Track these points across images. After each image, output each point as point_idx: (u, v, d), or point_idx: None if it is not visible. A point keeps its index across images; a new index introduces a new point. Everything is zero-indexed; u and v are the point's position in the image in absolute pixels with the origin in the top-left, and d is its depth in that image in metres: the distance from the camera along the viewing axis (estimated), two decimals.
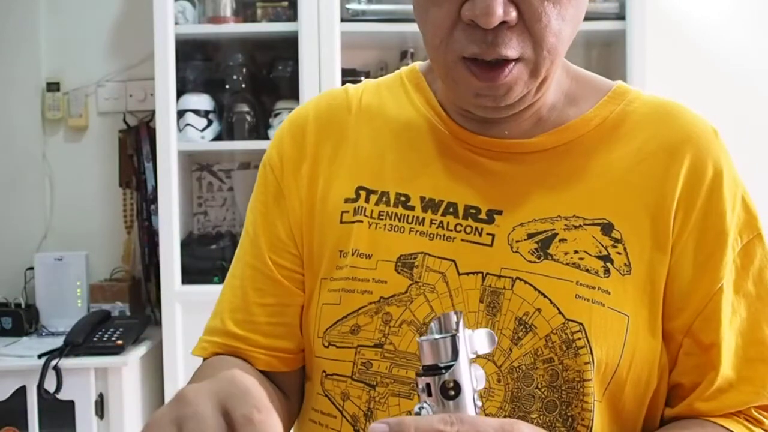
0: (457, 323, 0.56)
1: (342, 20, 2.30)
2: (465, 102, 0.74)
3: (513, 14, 0.66)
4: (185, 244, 2.42)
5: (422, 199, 0.78)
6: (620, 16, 2.31)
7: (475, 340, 0.56)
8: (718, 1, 2.66)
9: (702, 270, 0.74)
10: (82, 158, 2.67)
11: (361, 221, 0.79)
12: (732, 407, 0.74)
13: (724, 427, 0.73)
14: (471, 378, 0.55)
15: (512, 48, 0.67)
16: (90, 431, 2.15)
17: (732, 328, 0.75)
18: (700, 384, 0.75)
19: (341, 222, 0.80)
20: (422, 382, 0.55)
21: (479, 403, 0.56)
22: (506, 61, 0.68)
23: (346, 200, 0.80)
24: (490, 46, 0.67)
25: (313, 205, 0.82)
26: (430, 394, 0.55)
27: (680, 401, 0.77)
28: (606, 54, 2.59)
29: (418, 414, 0.55)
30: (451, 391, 0.54)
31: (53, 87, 2.65)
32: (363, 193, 0.80)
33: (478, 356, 0.57)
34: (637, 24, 2.29)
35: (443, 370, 0.54)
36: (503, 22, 0.66)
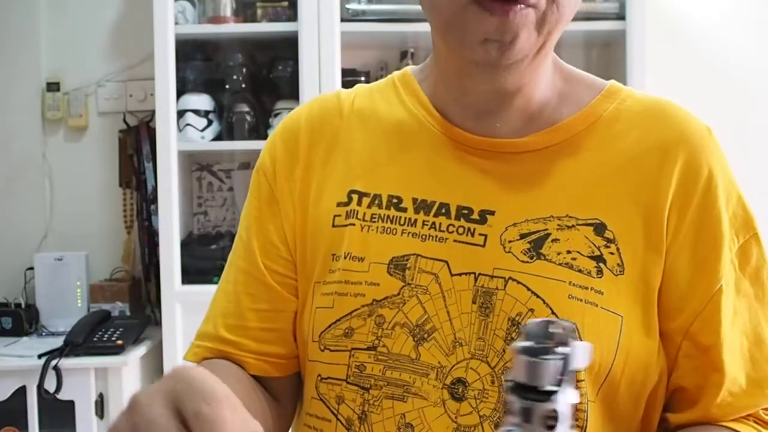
0: (566, 338, 0.48)
1: (342, 20, 2.30)
2: (469, 55, 0.72)
3: None
4: (185, 244, 2.42)
5: (414, 200, 0.77)
6: (620, 16, 2.30)
7: (575, 356, 0.48)
8: (718, 1, 2.66)
9: (700, 271, 0.74)
10: (82, 158, 2.67)
11: (354, 224, 0.78)
12: (743, 410, 0.74)
13: (734, 430, 0.73)
14: (570, 404, 0.48)
15: None
16: (90, 431, 2.15)
17: (735, 329, 0.74)
18: (702, 386, 0.74)
19: (333, 226, 0.79)
20: (518, 402, 0.48)
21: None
22: (517, 2, 0.68)
23: (339, 204, 0.80)
24: None
25: (305, 209, 0.82)
26: (526, 420, 0.47)
27: (685, 405, 0.76)
28: (606, 54, 2.58)
29: None
30: (551, 421, 0.47)
31: (53, 87, 2.65)
32: (355, 197, 0.80)
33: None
34: (637, 24, 2.28)
35: (545, 397, 0.47)
36: None
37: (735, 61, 2.62)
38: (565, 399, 0.47)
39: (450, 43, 0.74)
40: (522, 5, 0.68)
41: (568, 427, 0.48)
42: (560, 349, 0.48)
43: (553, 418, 0.47)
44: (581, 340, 0.62)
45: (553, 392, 0.47)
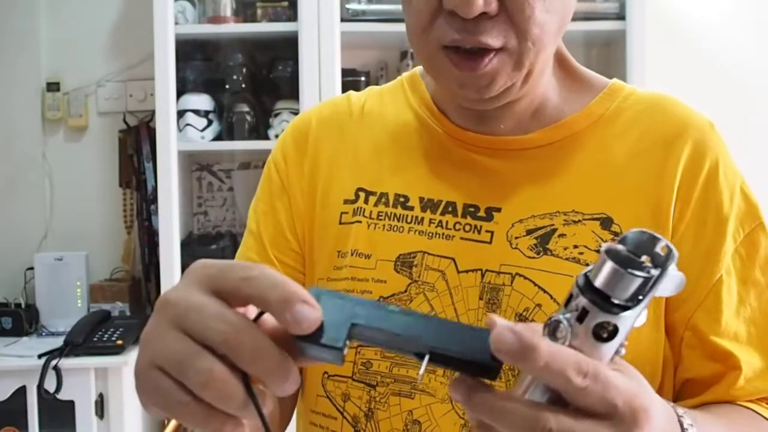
0: (662, 260, 0.44)
1: (342, 20, 2.30)
2: (450, 92, 0.74)
3: (493, 5, 0.66)
4: (185, 244, 2.42)
5: (421, 199, 0.78)
6: (620, 16, 2.31)
7: (665, 283, 0.44)
8: (718, 1, 2.66)
9: (702, 261, 0.74)
10: (82, 158, 2.67)
11: (360, 222, 0.79)
12: (756, 394, 0.74)
13: (757, 413, 0.73)
14: (633, 325, 0.45)
15: (493, 37, 0.67)
16: (90, 431, 2.15)
17: (740, 318, 0.74)
18: (710, 377, 0.75)
19: (340, 223, 0.80)
20: (582, 301, 0.44)
21: (623, 351, 0.46)
22: (487, 51, 0.68)
23: (346, 201, 0.81)
24: (470, 34, 0.67)
25: (313, 206, 0.83)
26: (579, 320, 0.44)
27: (697, 393, 0.76)
28: (606, 54, 2.58)
29: (552, 325, 0.45)
30: (604, 333, 0.44)
31: (53, 87, 2.65)
32: (362, 195, 0.81)
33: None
34: (637, 24, 2.29)
35: (614, 308, 0.43)
36: (484, 13, 0.66)
37: (735, 61, 2.62)
38: (630, 320, 0.44)
39: (432, 78, 0.76)
40: (491, 53, 0.68)
41: (621, 348, 0.45)
42: (651, 270, 0.44)
43: (607, 330, 0.44)
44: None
45: (622, 307, 0.44)
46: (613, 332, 0.44)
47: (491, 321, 0.45)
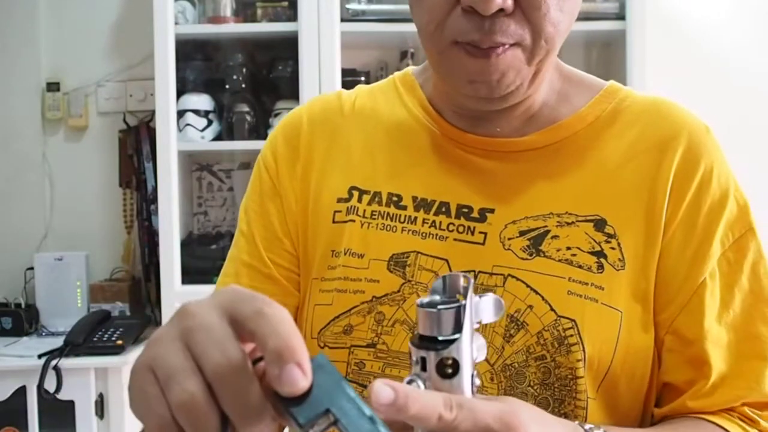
0: (466, 290, 0.50)
1: (342, 20, 2.30)
2: (459, 90, 0.73)
3: (509, 1, 0.66)
4: (185, 244, 2.42)
5: (414, 198, 0.78)
6: (620, 16, 2.30)
7: (481, 308, 0.50)
8: (718, 1, 2.66)
9: (689, 263, 0.74)
10: (82, 158, 2.67)
11: (354, 221, 0.79)
12: (724, 404, 0.74)
13: (720, 426, 0.72)
14: (471, 354, 0.49)
15: (509, 35, 0.67)
16: (90, 431, 2.15)
17: (722, 323, 0.74)
18: (686, 381, 0.74)
19: (334, 222, 0.80)
20: (417, 353, 0.49)
21: (477, 382, 0.51)
22: (498, 45, 0.68)
23: (339, 200, 0.80)
24: (487, 34, 0.67)
25: (306, 205, 0.82)
26: (424, 369, 0.49)
27: (671, 399, 0.76)
28: (606, 54, 2.58)
29: (408, 383, 0.49)
30: (448, 369, 0.49)
31: (53, 87, 2.65)
32: (356, 193, 0.80)
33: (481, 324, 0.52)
34: (637, 24, 2.28)
35: (442, 345, 0.48)
36: (500, 9, 0.66)
37: (735, 61, 2.62)
38: (464, 350, 0.48)
39: (441, 76, 0.76)
40: (505, 45, 0.68)
41: (472, 377, 0.49)
42: (456, 302, 0.49)
43: (449, 366, 0.48)
44: (571, 335, 0.67)
45: (449, 341, 0.48)
46: (455, 365, 0.48)
47: (372, 385, 0.46)
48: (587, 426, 0.58)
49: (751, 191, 0.78)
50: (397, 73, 0.89)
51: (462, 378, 0.49)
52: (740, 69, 2.62)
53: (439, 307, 0.48)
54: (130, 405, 0.47)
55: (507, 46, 0.68)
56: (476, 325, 0.50)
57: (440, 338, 0.48)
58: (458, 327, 0.48)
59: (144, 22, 2.36)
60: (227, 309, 0.45)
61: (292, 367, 0.42)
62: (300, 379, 0.42)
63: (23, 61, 2.65)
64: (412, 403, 0.46)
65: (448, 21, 0.69)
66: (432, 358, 0.48)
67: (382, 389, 0.45)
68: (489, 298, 0.50)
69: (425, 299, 0.50)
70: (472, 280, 0.50)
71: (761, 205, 0.79)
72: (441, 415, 0.46)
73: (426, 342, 0.49)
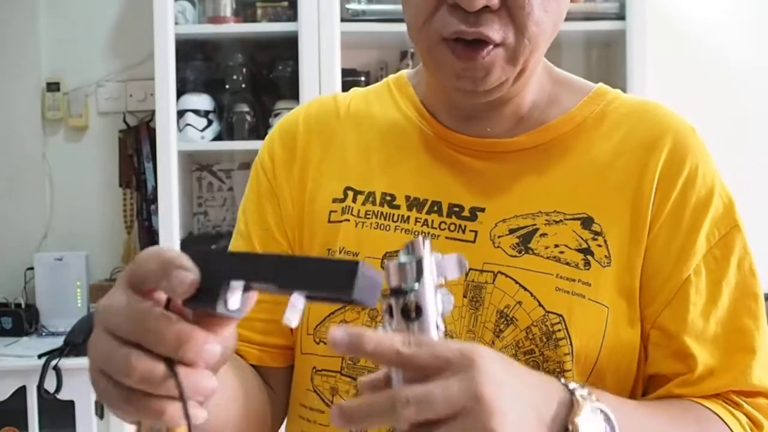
0: (422, 247, 0.55)
1: (342, 20, 2.30)
2: (447, 83, 0.76)
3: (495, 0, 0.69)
4: (185, 244, 2.42)
5: (407, 198, 0.80)
6: (620, 16, 2.30)
7: (444, 265, 0.55)
8: (718, 1, 2.66)
9: (674, 260, 0.76)
10: (82, 158, 2.67)
11: (349, 220, 0.81)
12: (710, 392, 0.75)
13: (705, 406, 0.73)
14: (435, 302, 0.54)
15: (494, 30, 0.70)
16: (90, 431, 2.15)
17: (710, 318, 0.76)
18: (671, 374, 0.76)
19: (329, 221, 0.82)
20: (385, 303, 0.54)
21: (442, 327, 0.54)
22: (486, 43, 0.70)
23: (334, 200, 0.82)
24: (473, 25, 0.69)
25: (302, 206, 0.84)
26: (392, 316, 0.54)
27: (656, 390, 0.77)
28: (606, 54, 2.59)
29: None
30: (412, 313, 0.53)
31: (53, 87, 2.65)
32: (350, 194, 0.82)
33: (447, 281, 0.56)
34: (637, 24, 2.28)
35: (407, 293, 0.54)
36: (486, 6, 0.68)
37: (735, 61, 2.62)
38: (426, 295, 0.53)
39: (431, 71, 0.78)
40: (489, 46, 0.71)
41: (437, 322, 0.54)
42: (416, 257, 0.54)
43: (412, 309, 0.53)
44: (559, 330, 0.73)
45: (411, 289, 0.53)
46: (418, 309, 0.53)
47: (328, 330, 0.51)
48: (572, 385, 0.58)
49: (751, 189, 0.79)
50: (390, 76, 0.91)
51: (426, 322, 0.53)
52: (740, 69, 2.62)
53: (401, 260, 0.54)
54: (111, 413, 0.52)
55: (491, 47, 0.71)
56: (441, 280, 0.55)
57: (405, 288, 0.54)
58: (420, 277, 0.54)
59: (144, 22, 2.36)
60: (129, 280, 0.50)
61: (177, 270, 0.48)
62: (187, 275, 0.48)
63: (23, 61, 2.65)
64: (368, 341, 0.50)
65: (435, 17, 0.72)
66: (398, 303, 0.54)
67: (336, 331, 0.50)
68: (452, 256, 0.55)
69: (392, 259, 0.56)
70: (429, 238, 0.57)
71: (761, 203, 0.79)
72: (398, 350, 0.50)
73: (393, 293, 0.54)
